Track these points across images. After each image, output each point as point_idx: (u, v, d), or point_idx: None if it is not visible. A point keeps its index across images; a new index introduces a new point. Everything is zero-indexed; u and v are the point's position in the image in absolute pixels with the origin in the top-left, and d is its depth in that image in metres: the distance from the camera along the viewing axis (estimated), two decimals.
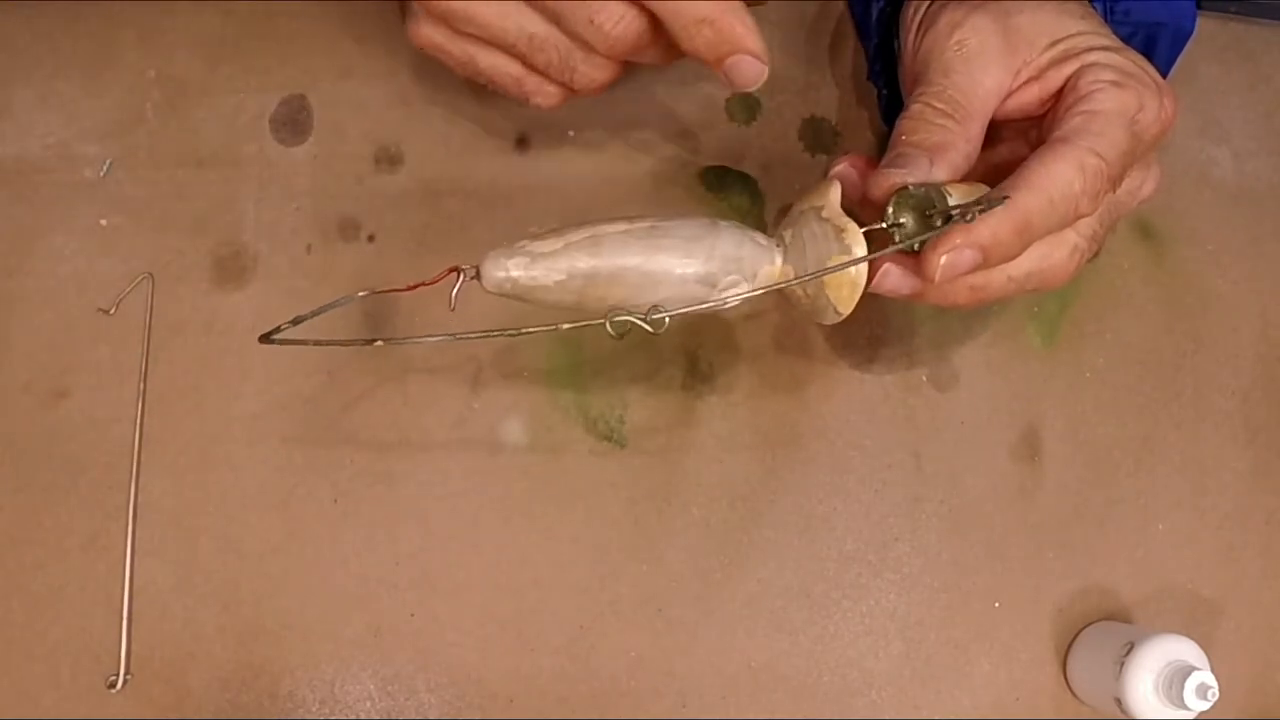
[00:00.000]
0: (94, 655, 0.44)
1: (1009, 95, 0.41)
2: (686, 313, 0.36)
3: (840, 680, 0.48)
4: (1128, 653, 0.45)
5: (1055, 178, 0.37)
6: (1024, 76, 0.41)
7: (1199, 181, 0.54)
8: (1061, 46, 0.40)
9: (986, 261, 0.37)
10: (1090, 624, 0.49)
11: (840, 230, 0.37)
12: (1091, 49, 0.40)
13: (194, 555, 0.45)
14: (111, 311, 0.47)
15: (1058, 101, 0.40)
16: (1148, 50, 0.46)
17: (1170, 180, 0.54)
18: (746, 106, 0.52)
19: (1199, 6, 0.54)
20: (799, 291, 0.39)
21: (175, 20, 0.49)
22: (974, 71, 0.40)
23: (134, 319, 0.47)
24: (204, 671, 0.44)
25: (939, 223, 0.37)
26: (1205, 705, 0.43)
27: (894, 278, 0.39)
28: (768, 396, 0.49)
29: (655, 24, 0.39)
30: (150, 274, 0.47)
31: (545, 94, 0.43)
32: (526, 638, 0.46)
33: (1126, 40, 0.44)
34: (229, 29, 0.50)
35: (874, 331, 0.50)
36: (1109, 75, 0.39)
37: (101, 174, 0.48)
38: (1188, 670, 0.43)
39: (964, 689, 0.48)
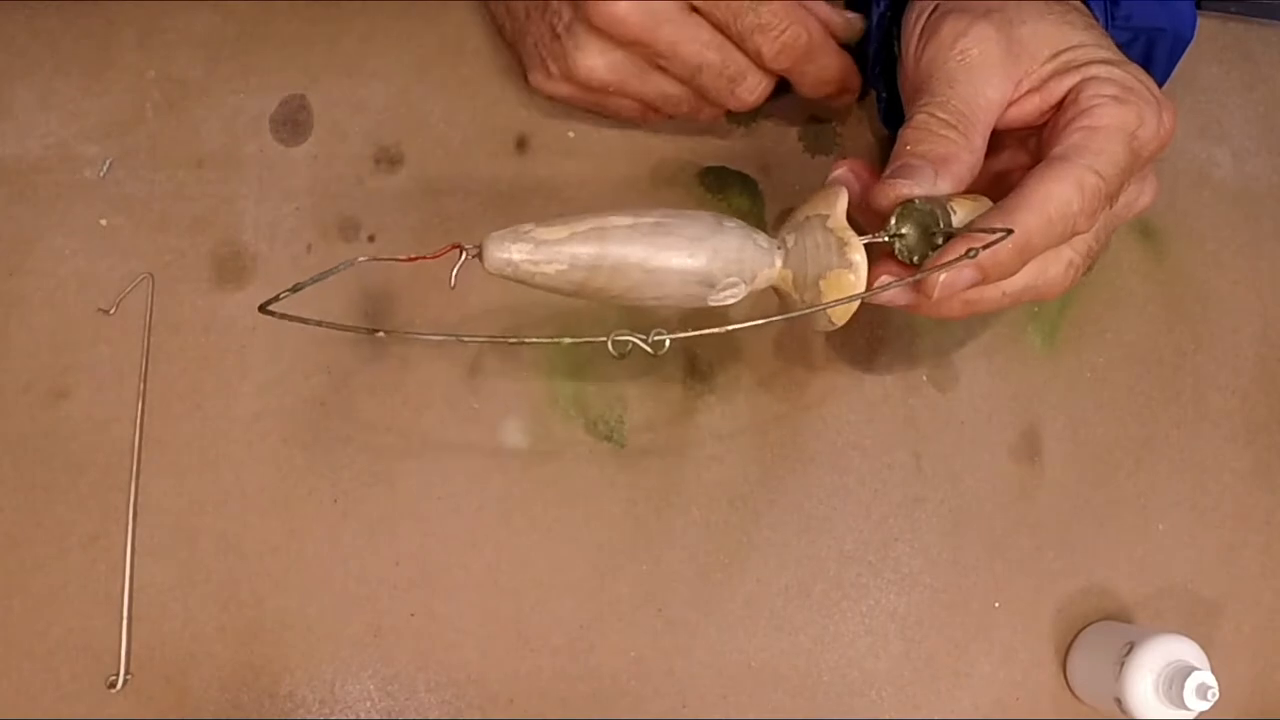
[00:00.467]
0: (94, 655, 0.44)
1: (1010, 105, 0.41)
2: (691, 336, 0.36)
3: (840, 680, 0.48)
4: (1128, 653, 0.45)
5: (1054, 197, 0.37)
6: (1025, 87, 0.41)
7: (1199, 181, 0.54)
8: (1063, 58, 0.40)
9: (985, 279, 0.38)
10: (1090, 624, 0.49)
11: (843, 244, 0.37)
12: (1093, 62, 0.40)
13: (194, 555, 0.45)
14: (111, 311, 0.47)
15: (1058, 113, 0.40)
16: (1147, 55, 0.46)
17: (1170, 180, 0.54)
18: None
19: (1199, 6, 0.54)
20: (795, 298, 0.39)
21: (175, 20, 0.49)
22: (977, 82, 0.40)
23: (134, 319, 0.47)
24: (204, 671, 0.44)
25: (940, 242, 0.38)
26: (1205, 705, 0.43)
27: (891, 290, 0.39)
28: (768, 396, 0.49)
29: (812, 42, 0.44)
30: (150, 274, 0.47)
31: (707, 114, 0.47)
32: (526, 638, 0.46)
33: (1126, 45, 0.44)
34: (229, 29, 0.50)
35: (874, 332, 0.50)
36: (1110, 90, 0.39)
37: (101, 174, 0.48)
38: (1188, 670, 0.43)
39: (964, 689, 0.48)
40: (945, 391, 0.50)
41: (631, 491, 0.47)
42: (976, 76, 0.40)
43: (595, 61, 0.43)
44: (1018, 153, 0.44)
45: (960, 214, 0.38)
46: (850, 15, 0.47)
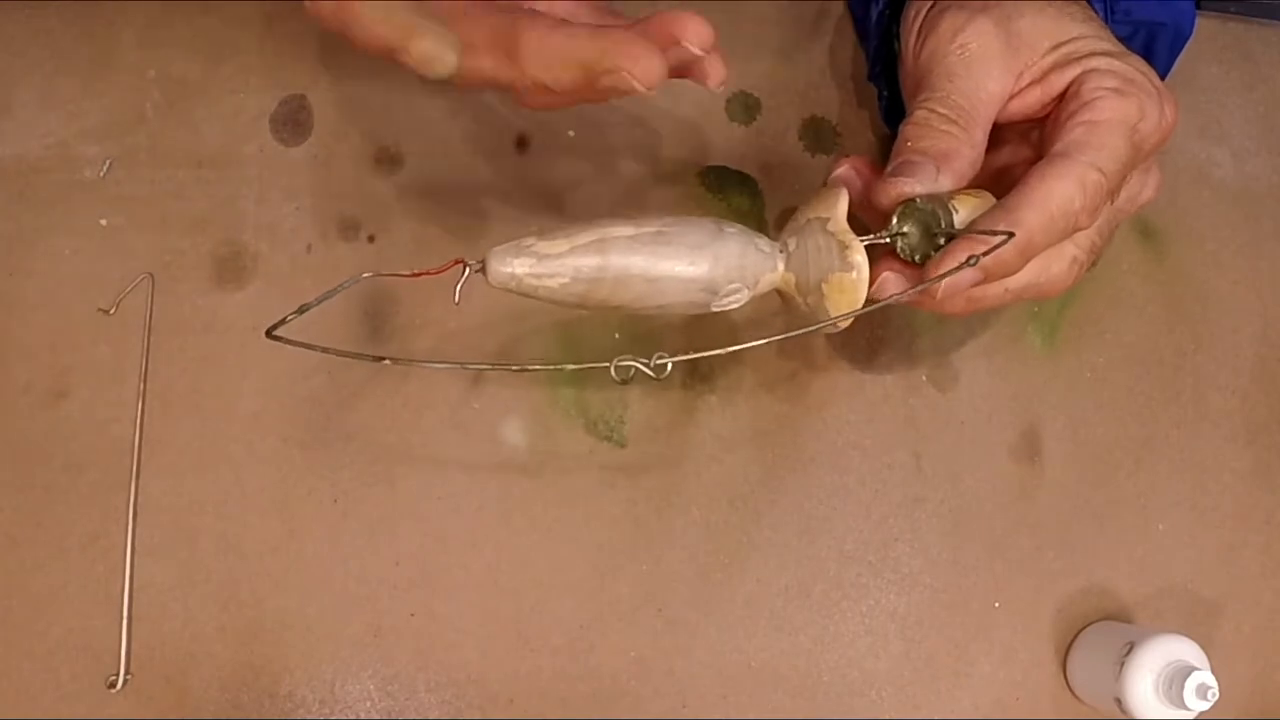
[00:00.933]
0: (94, 655, 0.44)
1: (1011, 98, 0.41)
2: (694, 358, 0.36)
3: (840, 680, 0.48)
4: (1128, 653, 0.45)
5: (1056, 195, 0.37)
6: (1026, 80, 0.41)
7: (1199, 181, 0.54)
8: (1064, 50, 0.40)
9: (988, 278, 0.38)
10: (1090, 624, 0.49)
11: (844, 247, 0.37)
12: (1094, 54, 0.40)
13: (194, 555, 0.45)
14: (111, 311, 0.47)
15: (1059, 106, 0.40)
16: (1147, 50, 0.46)
17: (1170, 180, 0.54)
18: (746, 107, 0.52)
19: (1199, 6, 0.54)
20: (798, 301, 0.39)
21: (175, 20, 0.49)
22: (977, 76, 0.40)
23: (134, 319, 0.47)
24: (204, 671, 0.44)
25: (942, 241, 0.38)
26: (1205, 705, 0.43)
27: (892, 285, 0.39)
28: (768, 396, 0.49)
29: None
30: (150, 274, 0.47)
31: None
32: (526, 638, 0.46)
33: (1126, 40, 0.44)
34: (229, 29, 0.50)
35: (874, 332, 0.50)
36: (1111, 82, 0.39)
37: (101, 174, 0.48)
38: (1188, 670, 0.43)
39: (964, 689, 0.48)
40: (945, 391, 0.50)
41: (631, 491, 0.47)
42: (976, 70, 0.40)
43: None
44: (1019, 147, 0.44)
45: (963, 212, 0.38)
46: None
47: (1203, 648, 0.45)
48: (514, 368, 0.36)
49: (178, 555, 0.45)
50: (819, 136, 0.52)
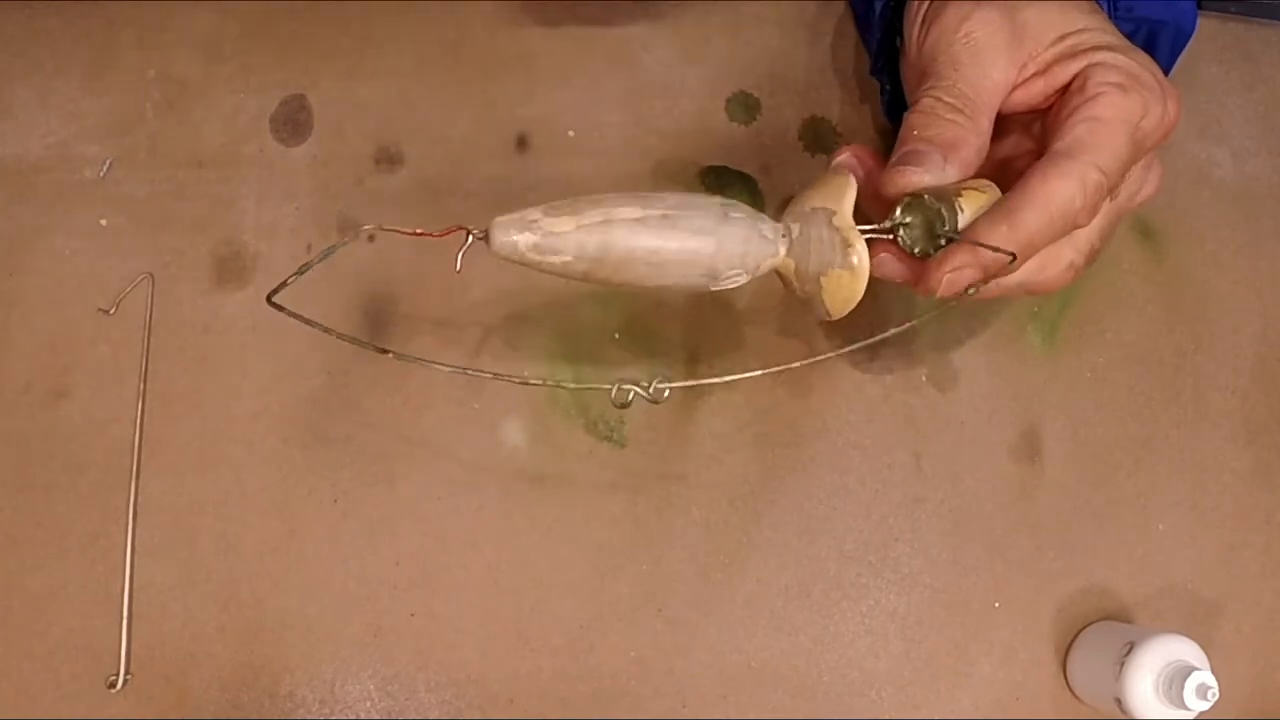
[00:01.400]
0: (94, 655, 0.44)
1: (1014, 89, 0.41)
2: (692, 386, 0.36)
3: (840, 680, 0.48)
4: (1128, 653, 0.45)
5: (1057, 195, 0.37)
6: (1030, 70, 0.41)
7: (1199, 181, 0.54)
8: (1068, 42, 0.40)
9: (986, 277, 0.38)
10: (1090, 624, 0.49)
11: (847, 244, 0.37)
12: (1098, 47, 0.40)
13: (194, 555, 0.45)
14: (111, 311, 0.47)
15: (1062, 100, 0.40)
16: (1149, 48, 0.46)
17: (1170, 180, 0.53)
18: (746, 106, 0.52)
19: (1199, 6, 0.54)
20: (795, 286, 0.39)
21: (175, 20, 0.49)
22: (983, 65, 0.40)
23: (134, 319, 0.47)
24: (204, 671, 0.44)
25: (943, 242, 0.38)
26: (1205, 705, 0.43)
27: (889, 266, 0.40)
28: (768, 396, 0.49)
29: None
30: (150, 274, 0.47)
31: None
32: (526, 638, 0.46)
33: (1128, 37, 0.44)
34: (229, 29, 0.50)
35: (875, 332, 0.50)
36: (1115, 77, 0.39)
37: (101, 174, 0.48)
38: (1188, 670, 0.43)
39: (964, 689, 0.48)
40: (945, 391, 0.50)
41: (631, 491, 0.47)
42: (982, 59, 0.40)
43: None
44: (1022, 138, 0.44)
45: (968, 210, 0.38)
46: None
47: (1203, 648, 0.45)
48: (516, 379, 0.36)
49: (178, 555, 0.45)
50: (819, 136, 0.52)
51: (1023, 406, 0.51)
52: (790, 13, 0.53)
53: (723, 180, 0.51)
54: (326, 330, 0.35)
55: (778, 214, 0.39)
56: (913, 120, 0.40)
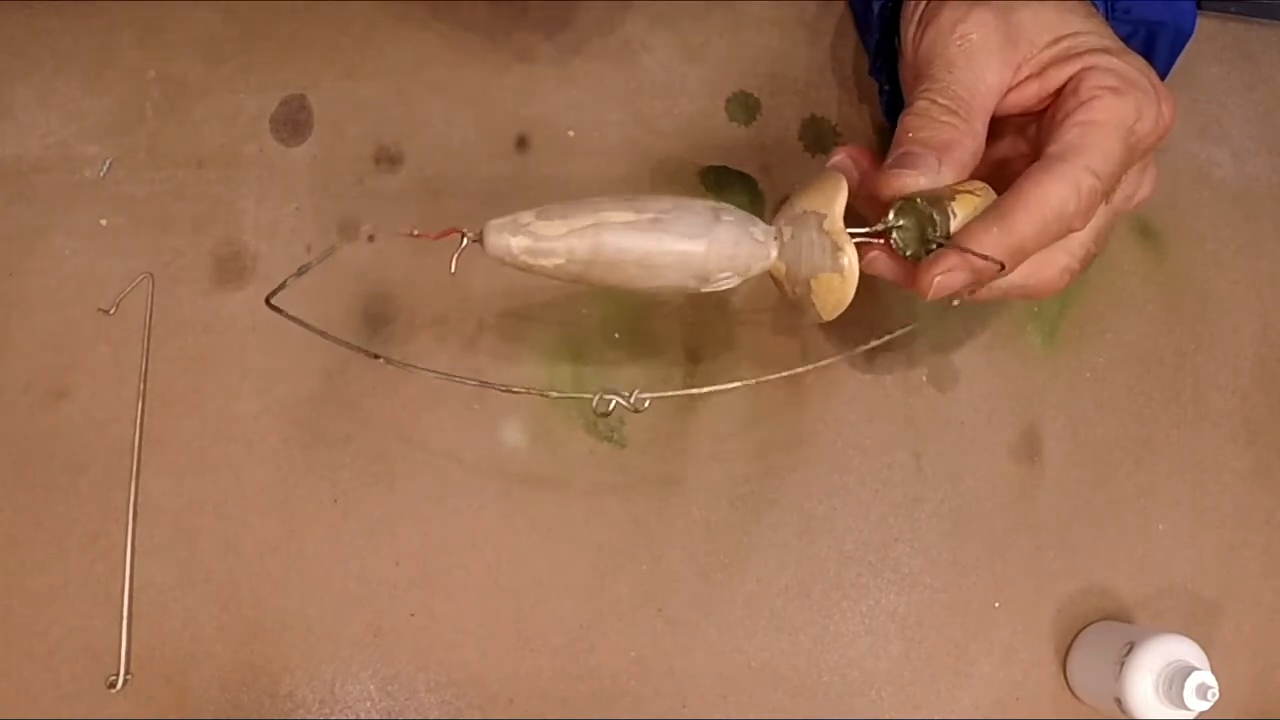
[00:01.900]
0: (94, 655, 0.44)
1: (1009, 91, 0.41)
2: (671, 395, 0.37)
3: (840, 680, 0.48)
4: (1128, 653, 0.45)
5: (1051, 199, 0.37)
6: (1025, 72, 0.41)
7: (1199, 181, 0.54)
8: (1064, 45, 0.40)
9: (978, 280, 0.38)
10: (1090, 624, 0.49)
11: (837, 249, 0.38)
12: (1093, 50, 0.40)
13: (194, 555, 0.45)
14: (111, 311, 0.47)
15: (1056, 103, 0.40)
16: (1148, 49, 0.46)
17: (1170, 180, 0.54)
18: (746, 106, 0.52)
19: (1199, 6, 0.54)
20: (786, 288, 0.40)
21: (175, 20, 0.49)
22: (977, 66, 0.40)
23: (134, 319, 0.47)
24: (204, 671, 0.44)
25: (934, 247, 0.38)
26: (1205, 705, 0.43)
27: (881, 264, 0.40)
28: (768, 397, 0.49)
29: None
30: (150, 274, 0.47)
31: None
32: (526, 638, 0.46)
33: (1127, 39, 0.44)
34: (229, 29, 0.50)
35: (874, 332, 0.50)
36: (1109, 80, 0.39)
37: (101, 174, 0.48)
38: (1188, 670, 0.43)
39: (964, 689, 0.48)
40: (945, 391, 0.50)
41: (631, 492, 0.47)
42: (977, 61, 0.40)
43: None
44: (1016, 140, 0.44)
45: (961, 214, 0.38)
46: None
47: (1203, 648, 0.45)
48: (500, 387, 0.37)
49: (178, 555, 0.45)
50: (819, 136, 0.52)
51: (1023, 406, 0.51)
52: (790, 13, 0.53)
53: (723, 180, 0.51)
54: (322, 334, 0.36)
55: (776, 214, 0.39)
56: (908, 122, 0.40)
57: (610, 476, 0.48)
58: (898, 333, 0.38)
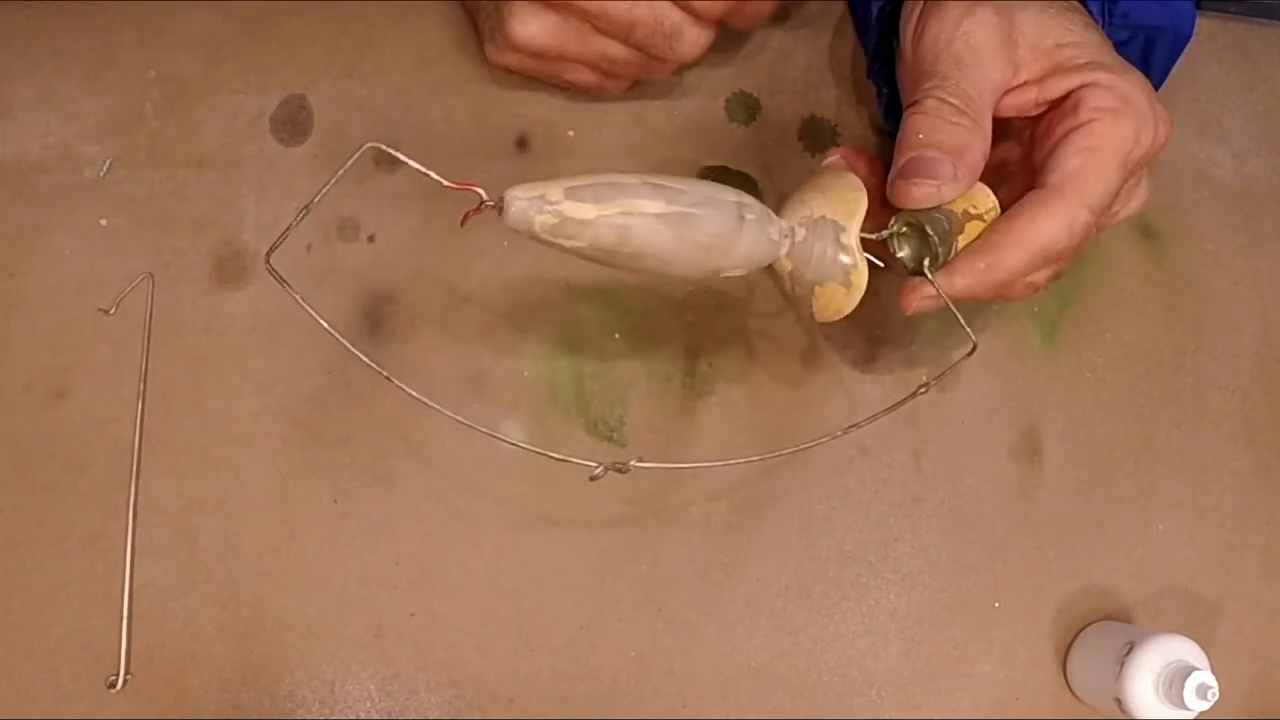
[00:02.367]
0: (94, 655, 0.44)
1: (1007, 92, 0.41)
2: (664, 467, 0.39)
3: (840, 680, 0.48)
4: (1128, 653, 0.45)
5: (1042, 236, 0.38)
6: (1024, 75, 0.41)
7: (1199, 181, 0.54)
8: (1065, 53, 0.40)
9: (957, 303, 0.39)
10: (1090, 624, 0.49)
11: (852, 266, 0.38)
12: (1093, 65, 0.40)
13: (194, 555, 0.45)
14: (111, 311, 0.47)
15: (1055, 117, 0.40)
16: (1146, 54, 0.46)
17: (1170, 180, 0.54)
18: (746, 106, 0.52)
19: (1199, 6, 0.54)
20: (787, 284, 0.40)
21: (175, 20, 0.49)
22: (983, 64, 0.40)
23: (134, 319, 0.47)
24: (204, 671, 0.44)
25: (927, 264, 0.39)
26: (1205, 705, 0.43)
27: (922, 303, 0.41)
28: (768, 396, 0.49)
29: None
30: (150, 274, 0.47)
31: (659, 71, 0.46)
32: (526, 638, 0.46)
33: (1125, 43, 0.44)
34: (229, 29, 0.50)
35: (874, 332, 0.50)
36: (1110, 101, 0.39)
37: (101, 174, 0.48)
38: (1188, 670, 0.43)
39: (964, 689, 0.48)
40: (945, 391, 0.50)
41: (631, 491, 0.47)
42: (983, 59, 0.40)
43: (532, 28, 0.43)
44: (1012, 144, 0.44)
45: (961, 242, 0.39)
46: None
47: (1203, 648, 0.45)
48: (483, 430, 0.39)
49: (178, 555, 0.45)
50: (819, 136, 0.52)
51: (1023, 406, 0.51)
52: (790, 12, 0.53)
53: (723, 180, 0.50)
54: (315, 318, 0.37)
55: (783, 206, 0.39)
56: (916, 123, 0.39)
57: (610, 476, 0.47)
58: (959, 360, 0.40)
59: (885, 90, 0.49)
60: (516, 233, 0.35)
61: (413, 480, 0.46)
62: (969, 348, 0.41)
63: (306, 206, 0.36)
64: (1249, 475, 0.52)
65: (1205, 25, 0.56)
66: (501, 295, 0.48)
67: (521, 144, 0.50)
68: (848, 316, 0.39)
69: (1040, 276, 0.41)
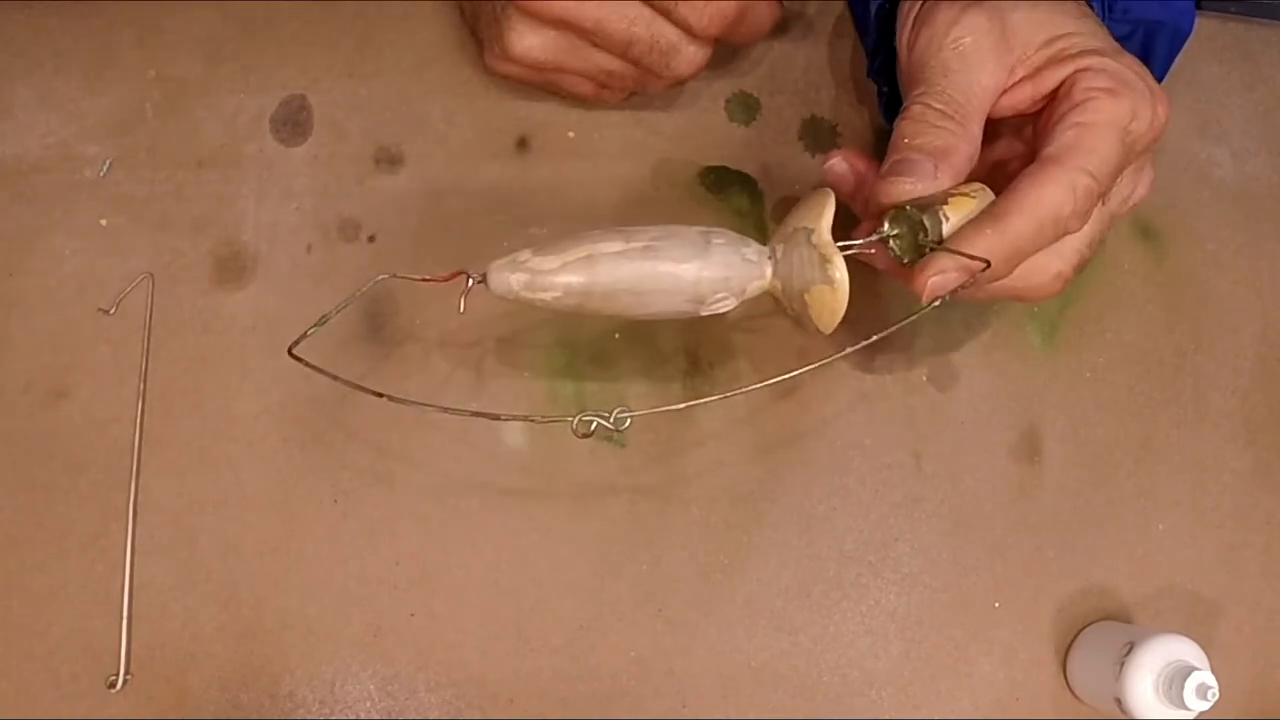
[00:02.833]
0: (94, 655, 0.44)
1: (1004, 92, 0.41)
2: (651, 412, 0.38)
3: (840, 680, 0.48)
4: (1128, 653, 0.45)
5: (1046, 201, 0.37)
6: (1019, 74, 0.41)
7: (1199, 181, 0.54)
8: (1057, 46, 0.40)
9: (973, 280, 0.38)
10: (1090, 624, 0.49)
11: (826, 261, 0.38)
12: (1087, 52, 0.40)
13: (194, 555, 0.45)
14: (111, 311, 0.47)
15: (1051, 106, 0.40)
16: (1146, 49, 0.46)
17: (1170, 180, 0.54)
18: (746, 106, 0.52)
19: (1199, 6, 0.54)
20: (786, 306, 0.41)
21: (175, 20, 0.49)
22: (971, 70, 0.40)
23: (134, 319, 0.47)
24: (204, 671, 0.44)
25: (928, 250, 0.39)
26: (1205, 705, 0.43)
27: (881, 260, 0.41)
28: (768, 396, 0.49)
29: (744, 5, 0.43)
30: (150, 274, 0.47)
31: (654, 86, 0.47)
32: (526, 638, 0.46)
33: (1125, 39, 0.44)
34: (229, 29, 0.50)
35: (873, 332, 0.50)
36: (1103, 82, 0.39)
37: (101, 174, 0.48)
38: (1188, 670, 0.43)
39: (964, 689, 0.48)
40: (945, 391, 0.50)
41: (631, 491, 0.47)
42: (971, 64, 0.40)
43: (530, 41, 0.43)
44: (1012, 141, 0.44)
45: (954, 217, 0.39)
46: None
47: (1203, 648, 0.45)
48: (488, 414, 0.41)
49: (178, 555, 0.45)
50: (819, 136, 0.52)
51: (1023, 406, 0.51)
52: (790, 13, 0.53)
53: (723, 180, 0.51)
54: (349, 384, 0.39)
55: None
56: (904, 128, 0.40)
57: (610, 476, 0.48)
58: (891, 328, 0.39)
59: (885, 89, 0.49)
60: (508, 301, 0.39)
61: (413, 480, 0.46)
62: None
63: (324, 318, 0.39)
64: (1249, 475, 0.52)
65: (1205, 25, 0.56)
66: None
67: (521, 145, 0.50)
68: (850, 312, 0.39)
69: (1066, 266, 0.41)
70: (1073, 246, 0.41)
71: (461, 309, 0.38)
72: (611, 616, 0.47)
